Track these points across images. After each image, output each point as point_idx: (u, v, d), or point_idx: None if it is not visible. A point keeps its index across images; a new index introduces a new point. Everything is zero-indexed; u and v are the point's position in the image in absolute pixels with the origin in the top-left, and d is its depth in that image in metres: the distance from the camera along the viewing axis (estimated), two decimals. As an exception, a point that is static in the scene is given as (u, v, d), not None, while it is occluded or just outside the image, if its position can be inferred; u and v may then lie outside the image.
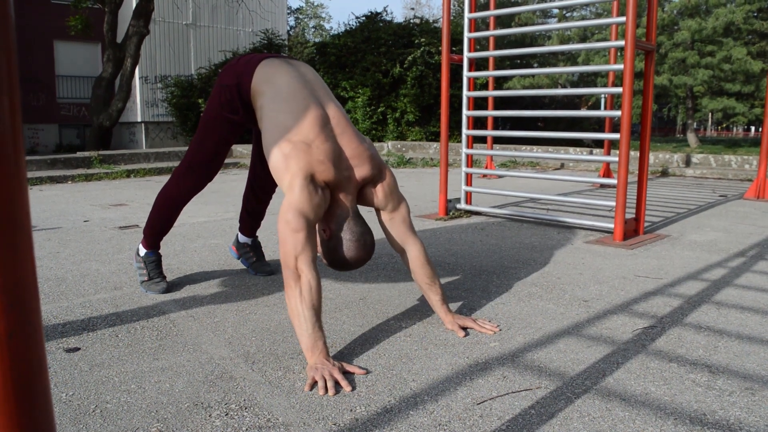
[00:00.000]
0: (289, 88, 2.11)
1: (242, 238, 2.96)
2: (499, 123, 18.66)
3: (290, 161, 1.95)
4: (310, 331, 1.81)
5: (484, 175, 7.85)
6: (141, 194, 6.13)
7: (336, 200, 2.04)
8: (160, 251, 2.72)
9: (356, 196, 2.11)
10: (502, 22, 24.86)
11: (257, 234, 3.03)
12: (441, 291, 2.21)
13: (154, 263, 2.66)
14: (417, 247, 2.19)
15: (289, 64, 2.24)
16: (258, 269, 2.94)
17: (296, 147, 1.97)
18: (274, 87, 2.14)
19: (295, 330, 1.84)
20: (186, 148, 10.12)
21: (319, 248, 2.08)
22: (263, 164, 2.74)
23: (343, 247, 2.02)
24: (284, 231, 1.88)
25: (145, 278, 2.65)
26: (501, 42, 19.29)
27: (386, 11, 15.43)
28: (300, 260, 1.86)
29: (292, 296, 1.84)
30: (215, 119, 2.38)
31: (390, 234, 2.19)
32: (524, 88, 22.63)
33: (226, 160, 9.81)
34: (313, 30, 42.83)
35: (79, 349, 2.00)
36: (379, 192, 2.13)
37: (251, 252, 2.96)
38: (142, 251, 2.69)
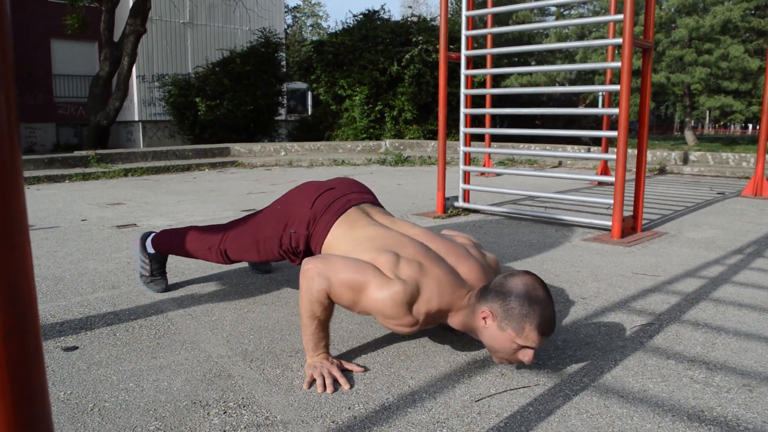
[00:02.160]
0: (372, 233, 1.93)
1: None
2: (497, 121, 18.66)
3: (399, 269, 1.73)
4: (316, 332, 1.78)
5: (482, 173, 7.86)
6: (138, 193, 6.12)
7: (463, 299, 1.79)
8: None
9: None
10: (500, 20, 24.87)
11: None
12: None
13: (159, 263, 2.61)
14: None
15: (369, 217, 2.04)
16: (257, 267, 2.93)
17: (409, 262, 1.75)
18: (353, 239, 1.93)
19: (302, 328, 1.79)
20: (183, 147, 10.10)
21: (494, 351, 1.73)
22: None
23: (516, 301, 1.65)
24: (340, 267, 1.73)
25: (147, 274, 2.60)
26: (498, 40, 19.30)
27: (384, 9, 15.42)
28: (324, 279, 1.73)
29: (305, 297, 1.75)
30: (268, 251, 2.16)
31: None
32: (522, 86, 22.64)
33: (223, 159, 9.80)
34: (310, 28, 42.80)
35: (77, 347, 2.00)
36: None
37: None
38: (151, 249, 2.57)
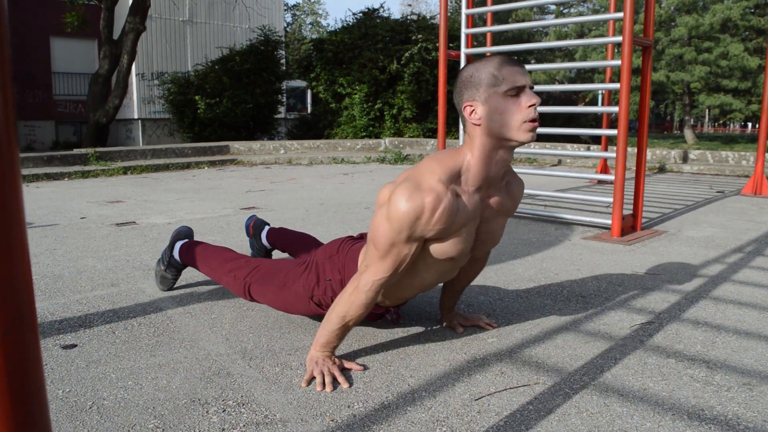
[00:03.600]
0: None
1: (264, 240, 2.84)
2: (497, 119, 18.61)
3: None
4: (335, 332, 1.77)
5: (482, 172, 7.84)
6: (138, 191, 6.12)
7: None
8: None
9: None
10: (500, 18, 24.86)
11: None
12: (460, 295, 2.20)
13: (176, 270, 2.58)
14: (486, 258, 2.14)
15: None
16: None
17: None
18: None
19: (324, 322, 1.78)
20: (182, 145, 10.10)
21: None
22: None
23: (472, 70, 1.67)
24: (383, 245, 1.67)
25: (163, 268, 2.57)
26: (498, 38, 19.30)
27: (383, 7, 15.40)
28: (367, 272, 1.72)
29: (345, 298, 1.75)
30: (296, 301, 2.07)
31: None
32: (521, 84, 22.60)
33: (222, 158, 9.80)
34: (310, 26, 42.81)
35: (75, 345, 2.00)
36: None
37: (263, 252, 2.88)
38: (177, 254, 2.53)
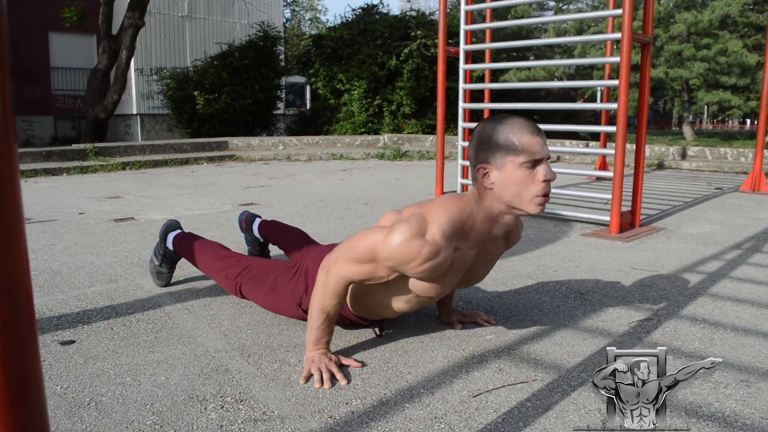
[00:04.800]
0: None
1: (256, 232, 2.83)
2: (496, 116, 18.56)
3: (401, 215, 1.75)
4: (321, 327, 1.77)
5: (481, 168, 7.84)
6: (136, 186, 6.11)
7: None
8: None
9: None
10: (499, 14, 24.79)
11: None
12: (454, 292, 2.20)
13: (171, 261, 2.58)
14: None
15: None
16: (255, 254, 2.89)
17: (410, 207, 1.78)
18: None
19: (308, 321, 1.79)
20: (181, 141, 10.08)
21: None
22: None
23: (489, 132, 1.64)
24: (360, 245, 1.68)
25: (157, 263, 2.57)
26: (497, 34, 19.27)
27: (382, 3, 15.36)
28: (338, 265, 1.73)
29: (320, 290, 1.75)
30: (284, 305, 2.07)
31: None
32: (520, 80, 22.60)
33: (221, 153, 9.79)
34: (309, 22, 42.70)
35: (74, 341, 2.00)
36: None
37: (257, 245, 2.89)
38: (171, 244, 2.53)
